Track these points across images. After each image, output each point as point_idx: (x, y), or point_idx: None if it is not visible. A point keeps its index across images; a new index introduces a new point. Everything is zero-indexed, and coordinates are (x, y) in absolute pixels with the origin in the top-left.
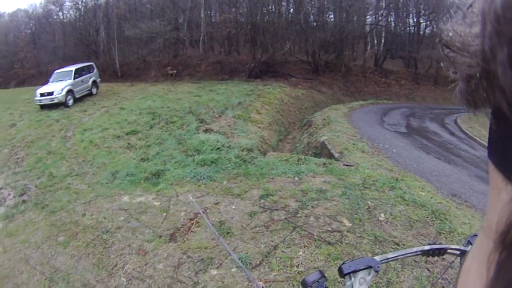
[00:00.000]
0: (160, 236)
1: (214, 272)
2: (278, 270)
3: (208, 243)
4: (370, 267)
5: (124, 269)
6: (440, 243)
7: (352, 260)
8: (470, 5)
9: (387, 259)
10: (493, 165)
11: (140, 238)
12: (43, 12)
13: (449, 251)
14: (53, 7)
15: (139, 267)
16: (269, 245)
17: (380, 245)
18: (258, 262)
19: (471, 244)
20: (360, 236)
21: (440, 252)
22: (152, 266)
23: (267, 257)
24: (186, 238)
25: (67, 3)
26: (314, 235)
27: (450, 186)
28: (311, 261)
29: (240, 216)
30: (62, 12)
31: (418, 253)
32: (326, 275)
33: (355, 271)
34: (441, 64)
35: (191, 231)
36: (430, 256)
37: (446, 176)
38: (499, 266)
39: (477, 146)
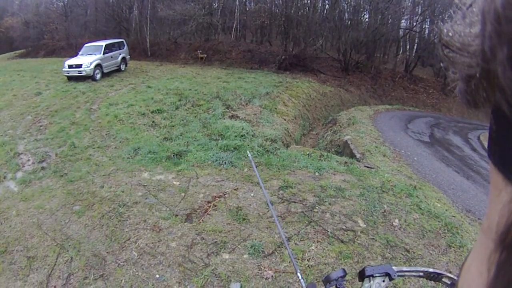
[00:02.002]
0: (176, 215)
1: (226, 256)
2: (289, 262)
3: (223, 227)
4: (387, 274)
5: (137, 244)
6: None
7: (373, 266)
8: (470, 5)
9: (402, 271)
10: (493, 165)
11: (156, 214)
12: None
13: (443, 279)
14: None
15: (152, 243)
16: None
17: (391, 249)
18: (270, 252)
19: None
20: (373, 238)
21: (438, 277)
22: (165, 243)
23: (279, 247)
24: (202, 220)
25: None
26: (328, 231)
27: (465, 202)
28: (322, 257)
29: (257, 204)
30: None
31: (421, 274)
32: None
33: (374, 276)
34: (441, 64)
35: (208, 214)
36: (430, 280)
37: (463, 191)
38: (499, 267)
39: None
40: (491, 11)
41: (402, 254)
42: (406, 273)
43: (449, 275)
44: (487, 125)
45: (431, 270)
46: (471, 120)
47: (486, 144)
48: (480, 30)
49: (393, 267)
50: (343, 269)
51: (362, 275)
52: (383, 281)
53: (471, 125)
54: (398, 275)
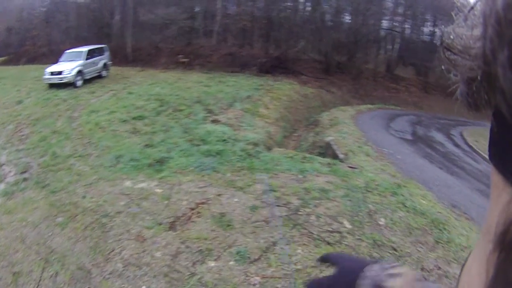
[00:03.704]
0: (160, 224)
1: (212, 264)
2: (276, 267)
3: (208, 234)
4: None
5: (121, 255)
6: None
7: None
8: (472, 8)
9: None
10: (493, 167)
11: (139, 224)
12: None
13: None
14: None
15: (137, 253)
16: (269, 241)
17: (378, 249)
18: (256, 257)
19: None
20: (359, 239)
21: None
22: (150, 253)
23: (265, 252)
24: (186, 228)
25: None
26: (313, 234)
27: (451, 197)
28: (309, 260)
29: (241, 210)
30: None
31: None
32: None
33: None
34: (442, 67)
35: (192, 221)
36: None
37: (448, 187)
38: (498, 267)
39: (481, 160)
40: (492, 14)
41: (390, 253)
42: None
43: None
44: (469, 120)
45: None
46: (452, 116)
47: (468, 139)
48: (481, 33)
49: None
50: None
51: None
52: None
53: (453, 121)
54: None
